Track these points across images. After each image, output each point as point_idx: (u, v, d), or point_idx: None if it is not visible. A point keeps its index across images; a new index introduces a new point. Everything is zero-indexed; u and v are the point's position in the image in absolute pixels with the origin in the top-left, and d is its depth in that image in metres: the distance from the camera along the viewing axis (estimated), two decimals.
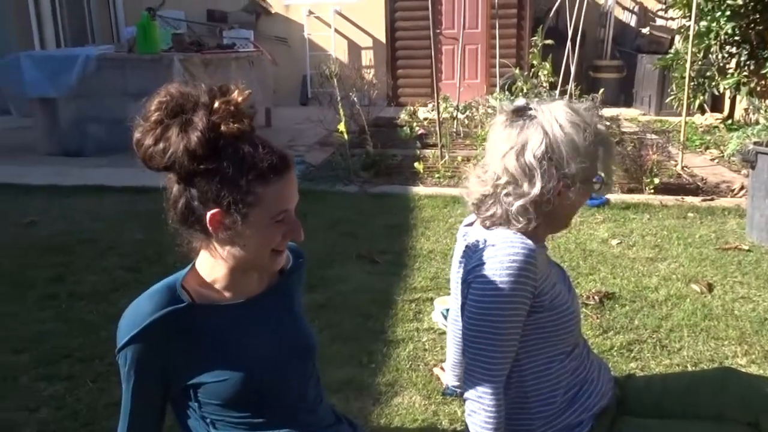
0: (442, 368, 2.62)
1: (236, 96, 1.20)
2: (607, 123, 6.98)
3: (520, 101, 1.53)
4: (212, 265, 1.30)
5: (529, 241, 1.46)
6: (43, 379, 2.59)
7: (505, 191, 1.49)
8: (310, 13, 10.53)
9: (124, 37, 8.17)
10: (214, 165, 1.17)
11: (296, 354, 1.38)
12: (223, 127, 1.17)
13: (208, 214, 1.21)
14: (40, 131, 6.89)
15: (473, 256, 1.50)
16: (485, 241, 1.49)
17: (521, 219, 1.49)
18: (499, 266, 1.43)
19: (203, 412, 1.30)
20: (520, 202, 1.48)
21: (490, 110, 7.41)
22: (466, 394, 1.49)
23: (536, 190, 1.46)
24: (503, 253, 1.44)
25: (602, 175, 1.53)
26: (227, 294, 1.31)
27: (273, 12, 10.67)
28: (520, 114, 1.50)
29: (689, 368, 2.66)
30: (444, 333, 2.91)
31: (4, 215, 4.71)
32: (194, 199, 1.21)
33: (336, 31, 10.53)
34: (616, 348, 2.81)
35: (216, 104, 1.18)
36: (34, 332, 2.96)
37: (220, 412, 1.29)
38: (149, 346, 1.23)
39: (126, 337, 1.23)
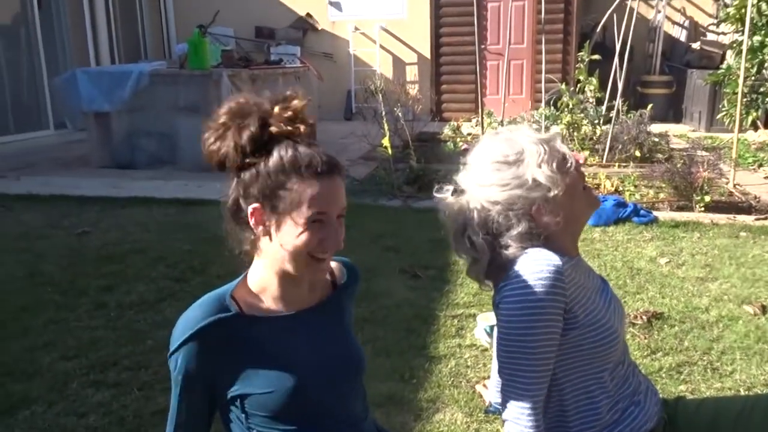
0: (485, 385, 2.59)
1: (296, 103, 1.26)
2: (654, 140, 6.85)
3: (447, 188, 1.57)
4: (261, 275, 1.32)
5: (555, 257, 1.43)
6: (91, 385, 2.65)
7: (469, 267, 1.59)
8: (356, 29, 10.65)
9: (175, 54, 8.39)
10: (260, 161, 1.23)
11: (344, 370, 1.38)
12: (273, 128, 1.23)
13: (250, 208, 1.25)
14: (94, 144, 7.11)
15: (500, 276, 1.49)
16: (512, 260, 1.48)
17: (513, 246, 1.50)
18: (525, 285, 1.41)
19: (249, 423, 1.30)
20: (485, 268, 1.53)
21: (535, 126, 7.35)
22: (504, 415, 1.46)
23: (487, 258, 1.51)
24: (528, 271, 1.42)
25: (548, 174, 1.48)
26: (277, 306, 1.32)
27: (320, 28, 10.83)
28: (457, 193, 1.56)
29: (742, 392, 2.57)
30: (486, 350, 2.88)
31: (59, 225, 4.87)
32: (241, 194, 1.27)
33: (381, 46, 10.63)
34: (664, 369, 2.74)
35: (275, 109, 1.24)
36: (84, 340, 3.04)
37: (266, 425, 1.30)
38: (197, 352, 1.26)
39: (176, 343, 1.27)
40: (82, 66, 8.12)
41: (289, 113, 1.24)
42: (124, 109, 6.88)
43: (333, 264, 1.44)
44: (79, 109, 7.07)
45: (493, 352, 1.86)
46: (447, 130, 8.24)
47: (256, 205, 1.25)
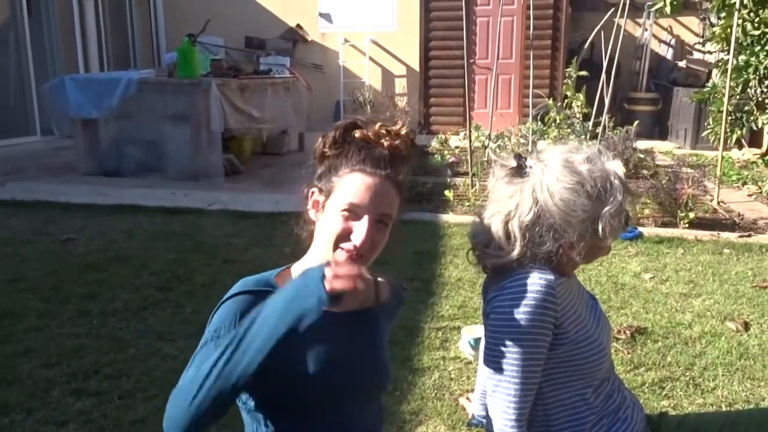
0: (468, 398, 2.58)
1: (397, 127, 1.35)
2: (640, 156, 6.92)
3: (515, 158, 1.48)
4: (308, 260, 1.36)
5: (548, 274, 1.43)
6: (72, 393, 2.63)
7: (491, 254, 1.49)
8: (346, 41, 10.69)
9: (164, 62, 8.39)
10: (335, 152, 1.32)
11: (366, 381, 1.37)
12: (357, 132, 1.31)
13: (309, 191, 1.35)
14: (80, 151, 7.07)
15: (492, 287, 1.49)
16: (504, 273, 1.48)
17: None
18: (516, 298, 1.41)
19: (259, 408, 1.31)
20: (506, 260, 1.46)
21: (522, 140, 7.40)
22: (488, 426, 1.46)
23: (515, 254, 1.44)
24: (521, 285, 1.42)
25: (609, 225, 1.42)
26: None
27: (309, 40, 10.86)
28: (517, 171, 1.47)
29: (724, 408, 2.58)
30: (470, 363, 2.88)
31: (43, 231, 4.83)
32: (312, 180, 1.36)
33: (370, 59, 10.67)
34: (647, 385, 2.75)
35: (377, 125, 1.33)
36: (66, 347, 3.01)
37: (269, 411, 1.30)
38: (242, 309, 1.26)
39: (225, 298, 1.31)
40: (70, 73, 8.09)
41: (383, 131, 1.32)
42: (112, 117, 6.85)
43: (380, 279, 1.46)
44: (66, 116, 7.04)
45: (478, 365, 1.86)
46: (435, 143, 8.27)
47: (314, 188, 1.34)
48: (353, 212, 1.26)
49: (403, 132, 1.33)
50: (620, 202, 1.42)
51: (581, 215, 1.41)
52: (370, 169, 1.28)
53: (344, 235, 1.27)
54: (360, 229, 1.26)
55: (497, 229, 1.47)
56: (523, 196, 1.44)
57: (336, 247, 1.27)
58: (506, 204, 1.46)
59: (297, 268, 1.37)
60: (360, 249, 1.26)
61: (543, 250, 1.44)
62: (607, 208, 1.41)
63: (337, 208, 1.27)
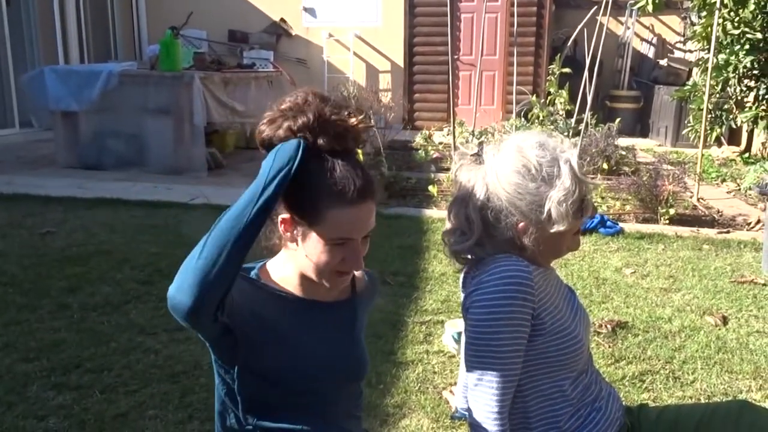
0: (451, 391, 2.60)
1: (352, 120, 1.25)
2: (622, 153, 6.98)
3: (474, 146, 1.53)
4: (283, 265, 1.35)
5: (525, 263, 1.45)
6: (52, 388, 2.60)
7: (457, 241, 1.52)
8: (330, 36, 10.65)
9: (146, 55, 8.31)
10: (300, 176, 1.20)
11: (344, 370, 1.40)
12: (320, 140, 1.22)
13: (280, 217, 1.27)
14: (60, 144, 6.99)
15: (471, 281, 1.50)
16: (483, 264, 1.49)
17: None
18: (493, 290, 1.43)
19: (237, 388, 1.31)
20: (467, 245, 1.50)
21: (505, 136, 7.43)
22: (470, 419, 1.47)
23: (475, 238, 1.48)
24: (497, 276, 1.43)
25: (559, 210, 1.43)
26: (294, 291, 1.36)
27: (293, 34, 10.81)
28: (475, 159, 1.51)
29: (702, 401, 2.62)
30: (453, 356, 2.90)
31: (22, 225, 4.77)
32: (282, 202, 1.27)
33: (355, 54, 10.65)
34: (628, 378, 2.78)
35: (332, 117, 1.23)
36: (46, 341, 2.97)
37: (248, 398, 1.32)
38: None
39: None
40: (50, 64, 7.97)
41: (342, 129, 1.24)
42: (92, 109, 6.77)
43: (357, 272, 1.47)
44: (46, 108, 6.95)
45: (461, 358, 1.87)
46: (418, 139, 8.29)
47: (285, 215, 1.27)
48: (342, 242, 1.26)
49: (362, 125, 1.27)
50: (568, 188, 1.43)
51: (527, 197, 1.44)
52: (352, 200, 1.22)
53: (340, 263, 1.28)
54: (354, 257, 1.27)
55: (458, 214, 1.51)
56: (477, 180, 1.49)
57: (330, 271, 1.29)
58: (464, 190, 1.51)
59: (273, 266, 1.38)
60: (358, 270, 1.32)
61: (499, 234, 1.47)
62: (552, 192, 1.43)
63: (325, 242, 1.25)
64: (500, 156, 1.47)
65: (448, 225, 1.57)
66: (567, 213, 1.43)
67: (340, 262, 1.27)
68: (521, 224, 1.45)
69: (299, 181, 1.20)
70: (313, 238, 1.25)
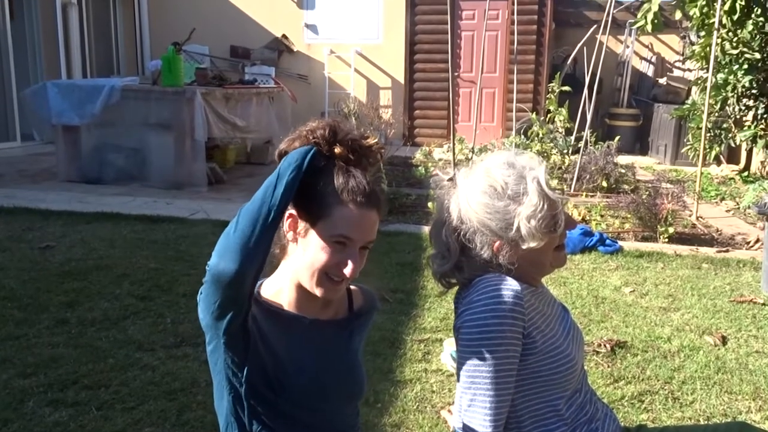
0: (449, 411, 2.58)
1: (368, 141, 1.33)
2: (621, 171, 6.99)
3: (451, 171, 1.58)
4: (280, 279, 1.37)
5: (514, 283, 1.45)
6: (49, 404, 2.59)
7: (439, 263, 1.56)
8: (332, 52, 10.72)
9: (148, 70, 8.35)
10: (313, 178, 1.27)
11: (341, 389, 1.41)
12: (337, 149, 1.29)
13: (288, 212, 1.31)
14: (61, 157, 7.01)
15: (462, 302, 1.51)
16: (472, 285, 1.50)
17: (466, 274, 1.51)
18: (483, 309, 1.43)
19: (236, 404, 1.33)
20: (446, 268, 1.53)
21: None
22: None
23: (453, 260, 1.51)
24: (486, 296, 1.44)
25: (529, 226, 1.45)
26: (291, 309, 1.37)
27: (295, 50, 10.88)
28: (451, 183, 1.55)
29: (702, 422, 2.61)
30: (452, 375, 2.89)
31: (22, 239, 4.77)
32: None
33: (356, 70, 10.71)
34: (626, 398, 2.77)
35: (347, 136, 1.30)
36: (44, 357, 2.96)
37: (247, 413, 1.33)
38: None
39: None
40: (52, 79, 8.02)
41: (357, 145, 1.30)
42: (94, 124, 6.81)
43: (354, 287, 1.49)
44: (47, 122, 6.98)
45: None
46: (419, 155, 8.32)
47: (293, 211, 1.31)
48: (343, 243, 1.29)
49: (369, 142, 1.34)
50: (536, 205, 1.44)
51: (496, 216, 1.46)
52: (361, 201, 1.28)
53: (332, 267, 1.29)
54: (350, 261, 1.29)
55: (437, 238, 1.54)
56: (451, 203, 1.51)
57: (323, 275, 1.30)
58: (441, 214, 1.54)
59: (268, 286, 1.39)
60: (351, 278, 1.31)
61: (476, 255, 1.48)
62: (521, 209, 1.44)
63: (326, 238, 1.28)
64: (470, 178, 1.51)
65: (431, 250, 1.60)
66: (537, 229, 1.44)
67: (335, 265, 1.28)
68: (496, 243, 1.47)
69: (311, 179, 1.26)
70: (315, 234, 1.28)
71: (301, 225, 1.30)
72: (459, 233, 1.49)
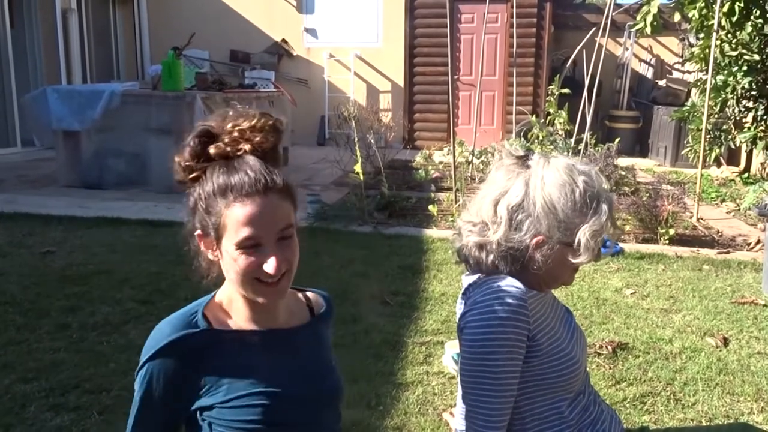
0: (451, 413, 2.58)
1: (244, 123, 1.20)
2: (621, 173, 7.00)
3: (523, 150, 1.53)
4: (229, 292, 1.30)
5: (520, 285, 1.45)
6: (50, 409, 2.59)
7: (474, 232, 1.50)
8: (331, 56, 10.74)
9: (148, 75, 8.38)
10: (197, 173, 1.20)
11: (317, 395, 1.35)
12: (212, 149, 1.19)
13: (196, 234, 1.23)
14: (61, 163, 7.02)
15: (466, 302, 1.50)
16: (477, 286, 1.49)
17: (500, 266, 1.48)
18: (487, 310, 1.42)
19: (213, 420, 1.27)
20: (480, 241, 1.48)
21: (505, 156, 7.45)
22: None
23: (497, 236, 1.46)
24: (491, 297, 1.43)
25: (585, 239, 1.43)
26: (248, 324, 1.30)
27: (294, 54, 10.90)
28: (521, 161, 1.50)
29: (704, 423, 2.60)
30: (454, 377, 2.88)
31: (22, 244, 4.77)
32: (190, 218, 1.24)
33: (355, 74, 10.72)
34: (629, 400, 2.77)
35: (227, 127, 1.21)
36: (45, 362, 2.96)
37: (224, 426, 1.27)
38: (164, 368, 1.23)
39: (143, 358, 1.25)
40: (52, 84, 8.03)
41: (236, 134, 1.19)
42: (94, 129, 6.81)
43: (311, 294, 1.44)
44: (48, 127, 6.98)
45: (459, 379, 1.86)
46: (419, 158, 8.32)
47: (198, 231, 1.22)
48: (251, 244, 1.17)
49: (258, 124, 1.20)
50: (601, 225, 1.43)
51: (560, 215, 1.43)
52: (247, 193, 1.15)
53: (255, 271, 1.20)
54: (268, 259, 1.19)
55: (487, 207, 1.49)
56: (517, 180, 1.47)
57: (253, 281, 1.21)
58: (500, 185, 1.49)
59: (222, 296, 1.31)
60: (277, 274, 1.20)
61: (517, 240, 1.45)
62: (586, 224, 1.43)
63: (231, 247, 1.17)
64: (550, 168, 1.47)
65: (471, 217, 1.53)
66: (594, 248, 1.44)
67: (257, 268, 1.19)
68: (539, 237, 1.45)
69: (200, 191, 1.19)
70: (226, 247, 1.18)
71: (211, 242, 1.21)
72: (516, 211, 1.45)
